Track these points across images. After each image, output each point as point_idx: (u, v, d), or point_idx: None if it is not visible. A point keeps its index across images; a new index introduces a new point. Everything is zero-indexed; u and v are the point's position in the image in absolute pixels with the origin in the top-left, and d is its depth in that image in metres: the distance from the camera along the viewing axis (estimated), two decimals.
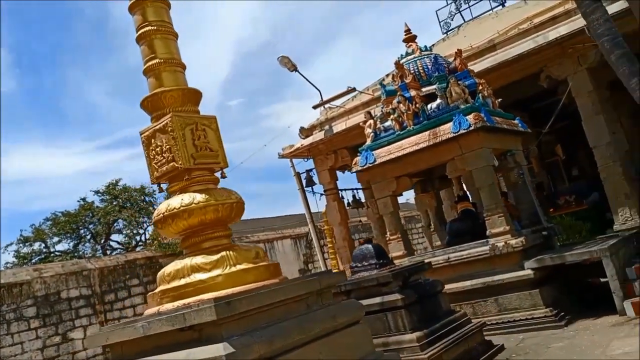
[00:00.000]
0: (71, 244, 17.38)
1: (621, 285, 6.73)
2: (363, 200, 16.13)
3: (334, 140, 14.60)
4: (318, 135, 14.80)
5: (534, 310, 7.08)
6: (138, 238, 18.49)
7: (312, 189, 15.76)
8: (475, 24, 12.85)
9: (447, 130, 7.73)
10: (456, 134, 7.63)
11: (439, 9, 13.57)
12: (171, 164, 4.28)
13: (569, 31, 10.34)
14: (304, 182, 15.98)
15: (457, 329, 5.98)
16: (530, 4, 11.84)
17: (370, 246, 6.28)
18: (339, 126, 14.24)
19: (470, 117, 7.52)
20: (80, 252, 17.50)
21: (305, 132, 15.43)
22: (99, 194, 17.74)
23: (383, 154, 8.43)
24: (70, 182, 42.00)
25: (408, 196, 20.93)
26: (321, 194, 15.56)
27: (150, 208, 18.21)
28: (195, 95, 4.59)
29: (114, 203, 17.72)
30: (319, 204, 21.71)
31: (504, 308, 7.33)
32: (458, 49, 9.05)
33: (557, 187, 15.99)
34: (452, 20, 13.34)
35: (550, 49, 10.75)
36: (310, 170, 15.79)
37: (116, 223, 18.03)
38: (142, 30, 4.57)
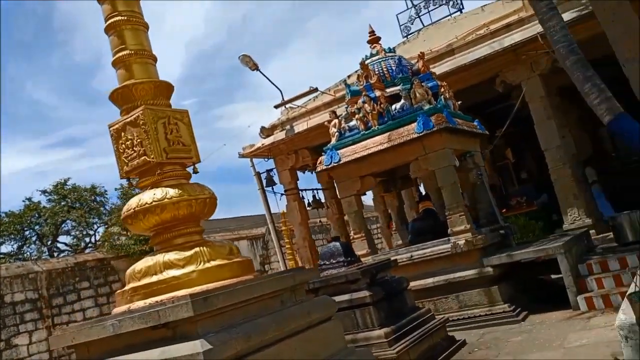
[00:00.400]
0: (15, 245, 16.55)
1: (574, 281, 7.04)
2: (323, 200, 16.23)
3: (295, 140, 14.61)
4: (279, 135, 14.77)
5: (492, 306, 7.31)
6: (88, 239, 17.83)
7: (273, 188, 15.72)
8: (434, 29, 13.16)
9: (411, 130, 7.88)
10: (420, 135, 7.79)
11: (399, 13, 13.80)
12: (142, 157, 4.16)
13: (523, 38, 10.79)
14: (264, 182, 15.93)
15: (422, 325, 6.10)
16: (487, 11, 12.25)
17: (338, 244, 6.31)
18: (300, 126, 14.26)
19: (433, 118, 7.70)
20: (25, 254, 16.70)
21: (266, 131, 15.36)
22: (46, 194, 16.98)
23: (348, 154, 8.49)
24: (14, 182, 40.07)
25: (363, 198, 21.07)
26: (281, 194, 15.53)
27: (102, 209, 17.62)
28: (167, 89, 4.48)
29: (62, 203, 17.00)
30: (279, 204, 21.58)
31: (465, 304, 7.53)
32: (421, 52, 9.25)
33: (507, 189, 16.57)
34: (412, 24, 13.61)
35: (505, 55, 11.18)
36: (271, 170, 15.73)
37: (64, 224, 17.31)
38: (112, 20, 4.42)
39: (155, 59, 4.58)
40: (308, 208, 15.64)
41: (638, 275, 5.85)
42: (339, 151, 8.60)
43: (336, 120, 8.97)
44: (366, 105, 8.41)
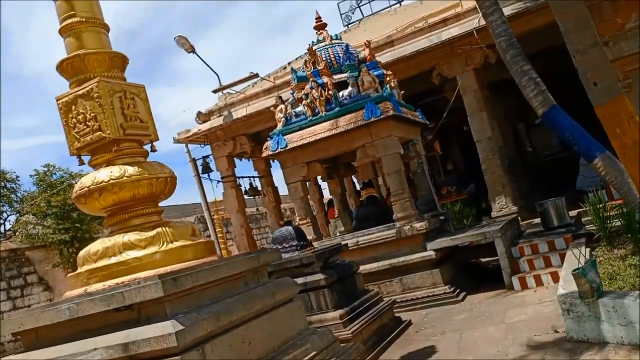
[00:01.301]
0: None
1: (509, 263, 7.47)
2: (260, 188, 16.10)
3: (233, 127, 14.34)
4: (216, 121, 14.43)
5: (434, 288, 7.61)
6: None
7: (209, 175, 15.40)
8: (375, 19, 13.38)
9: (359, 117, 7.98)
10: (368, 122, 7.91)
11: (341, 1, 13.88)
12: (97, 133, 3.91)
13: (459, 33, 11.22)
14: (199, 168, 15.55)
15: (373, 307, 6.23)
16: (426, 4, 12.61)
17: (290, 228, 6.29)
18: (239, 112, 14.01)
19: (381, 106, 7.84)
20: None
21: (202, 117, 14.96)
22: None
23: (295, 139, 8.46)
24: None
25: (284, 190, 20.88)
26: (218, 181, 15.24)
27: (12, 195, 16.37)
28: (123, 61, 4.23)
29: None
30: (215, 192, 21.13)
31: (408, 287, 7.79)
32: (367, 40, 9.36)
33: (435, 179, 17.30)
34: (353, 14, 13.75)
35: (442, 49, 11.59)
36: (207, 156, 15.39)
37: None
38: None
39: (108, 29, 4.30)
40: (245, 196, 15.47)
41: (568, 255, 6.33)
42: (285, 137, 8.55)
43: (282, 106, 8.91)
44: (314, 91, 8.40)
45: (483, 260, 10.01)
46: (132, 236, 3.77)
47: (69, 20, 4.12)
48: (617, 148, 4.06)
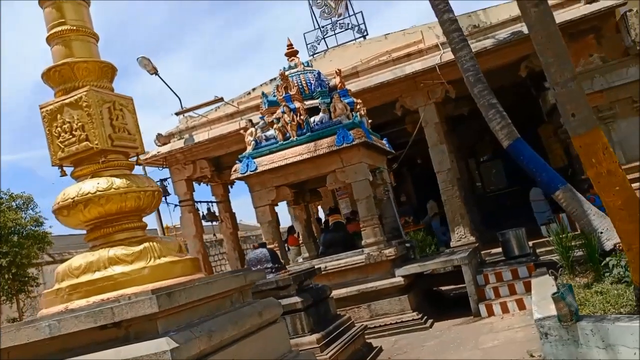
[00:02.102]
0: None
1: (475, 290, 7.64)
2: (218, 214, 15.84)
3: (194, 150, 14.14)
4: (177, 144, 14.20)
5: (402, 315, 7.65)
6: None
7: (166, 199, 15.01)
8: (340, 50, 13.69)
9: (331, 143, 8.06)
10: (340, 147, 8.00)
11: (307, 32, 14.15)
12: (84, 143, 3.77)
13: (423, 68, 11.68)
14: None
15: (346, 332, 6.19)
16: (390, 40, 13.04)
17: (265, 250, 6.21)
18: (200, 136, 13.85)
19: (353, 132, 7.96)
20: None
21: (162, 139, 14.67)
22: None
23: (265, 162, 8.43)
24: None
25: (241, 217, 20.52)
26: (175, 205, 14.88)
27: None
28: (112, 71, 4.13)
29: None
30: (173, 216, 20.61)
31: (376, 313, 7.79)
32: (338, 69, 9.57)
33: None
34: (319, 44, 14.02)
35: (406, 82, 12.00)
36: (165, 179, 15.03)
37: None
38: None
39: (97, 38, 4.20)
40: (203, 221, 15.14)
41: (536, 282, 6.55)
42: (255, 160, 8.51)
43: (252, 129, 8.89)
44: (285, 115, 8.45)
45: (443, 288, 10.19)
46: (118, 250, 3.61)
47: (58, 28, 4.00)
48: (592, 177, 4.30)
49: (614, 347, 4.00)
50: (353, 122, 8.25)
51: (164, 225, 16.81)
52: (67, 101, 3.83)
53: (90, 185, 3.69)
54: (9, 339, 3.30)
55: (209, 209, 15.69)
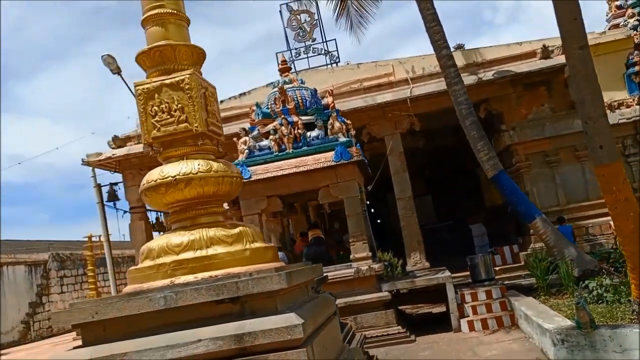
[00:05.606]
0: None
1: (456, 307, 8.17)
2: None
3: (152, 156, 13.71)
4: (134, 148, 13.75)
5: (388, 328, 7.99)
6: None
7: (115, 204, 14.40)
8: (312, 73, 14.14)
9: (328, 158, 8.37)
10: (336, 163, 8.34)
11: (279, 52, 14.46)
12: (183, 124, 3.79)
13: (393, 99, 12.44)
14: (104, 195, 14.47)
15: (352, 340, 6.39)
16: (362, 69, 13.72)
17: (282, 254, 6.30)
18: None
19: (352, 150, 8.34)
20: None
21: (118, 142, 14.17)
22: None
23: (260, 172, 8.55)
24: None
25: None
26: (125, 211, 14.31)
27: None
28: (204, 58, 4.20)
29: None
30: (120, 224, 19.52)
31: (362, 326, 8.06)
32: (330, 89, 9.96)
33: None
34: (292, 67, 14.36)
35: (375, 110, 12.67)
36: (116, 183, 14.44)
37: None
38: None
39: (189, 23, 4.28)
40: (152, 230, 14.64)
41: (525, 301, 7.18)
42: (249, 168, 8.60)
43: (246, 138, 8.99)
44: (283, 128, 8.66)
45: (401, 307, 10.69)
46: (218, 231, 3.65)
47: (157, 10, 4.03)
48: (609, 202, 4.97)
49: (630, 351, 4.61)
50: (350, 140, 8.65)
51: (88, 234, 15.85)
52: (167, 82, 3.85)
53: (192, 166, 3.72)
54: (116, 309, 3.22)
55: (157, 218, 15.22)
